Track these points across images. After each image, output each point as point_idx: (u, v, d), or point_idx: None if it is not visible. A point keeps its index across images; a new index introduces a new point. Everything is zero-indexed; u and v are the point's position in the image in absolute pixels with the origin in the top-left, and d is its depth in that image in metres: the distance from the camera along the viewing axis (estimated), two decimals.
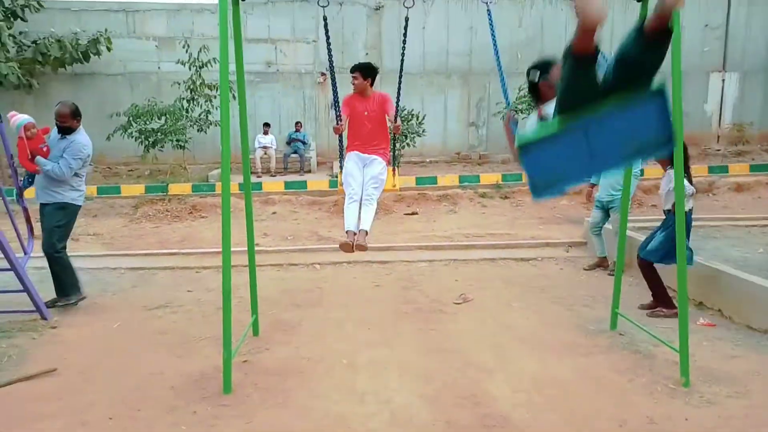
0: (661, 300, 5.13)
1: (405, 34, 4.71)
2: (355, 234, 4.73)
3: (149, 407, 3.53)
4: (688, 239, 4.82)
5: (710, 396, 3.58)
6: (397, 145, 13.34)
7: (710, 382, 3.76)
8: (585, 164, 2.83)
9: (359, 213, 4.82)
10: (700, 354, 4.18)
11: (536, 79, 3.45)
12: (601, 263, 6.81)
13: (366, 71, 5.07)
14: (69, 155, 5.21)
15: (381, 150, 5.12)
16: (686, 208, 5.08)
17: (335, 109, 4.94)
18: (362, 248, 4.71)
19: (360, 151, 5.07)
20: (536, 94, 3.55)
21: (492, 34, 4.34)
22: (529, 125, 3.58)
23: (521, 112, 13.15)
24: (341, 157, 5.22)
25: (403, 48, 4.63)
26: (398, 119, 5.11)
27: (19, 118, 5.28)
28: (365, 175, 5.01)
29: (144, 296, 5.99)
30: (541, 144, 2.82)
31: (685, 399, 3.55)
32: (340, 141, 5.23)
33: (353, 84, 5.13)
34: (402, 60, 4.71)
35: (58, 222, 5.32)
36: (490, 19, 4.29)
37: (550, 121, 3.10)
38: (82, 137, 5.33)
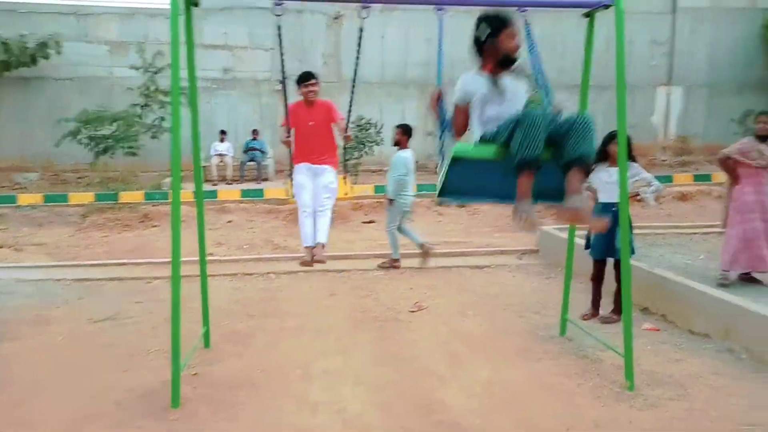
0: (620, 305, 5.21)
1: (359, 44, 4.23)
2: (313, 248, 4.84)
3: (92, 424, 3.40)
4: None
5: (653, 399, 3.70)
6: (356, 153, 13.51)
7: (654, 386, 3.88)
8: (497, 193, 3.31)
9: (315, 225, 4.89)
10: (644, 358, 4.31)
11: (483, 37, 3.16)
12: (393, 264, 7.34)
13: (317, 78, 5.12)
14: None
15: (330, 159, 5.15)
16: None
17: (286, 119, 4.90)
18: (321, 261, 4.87)
19: (309, 162, 5.09)
20: (479, 52, 3.20)
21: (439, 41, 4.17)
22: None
23: None
24: (291, 168, 5.21)
25: (357, 59, 4.36)
26: (348, 129, 5.10)
27: None
28: (317, 185, 5.04)
29: (91, 308, 5.78)
30: (473, 162, 3.12)
31: (629, 402, 3.65)
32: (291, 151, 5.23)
33: (310, 92, 5.08)
34: (355, 71, 4.44)
35: None
36: (440, 35, 4.17)
37: (489, 145, 3.19)
38: None
